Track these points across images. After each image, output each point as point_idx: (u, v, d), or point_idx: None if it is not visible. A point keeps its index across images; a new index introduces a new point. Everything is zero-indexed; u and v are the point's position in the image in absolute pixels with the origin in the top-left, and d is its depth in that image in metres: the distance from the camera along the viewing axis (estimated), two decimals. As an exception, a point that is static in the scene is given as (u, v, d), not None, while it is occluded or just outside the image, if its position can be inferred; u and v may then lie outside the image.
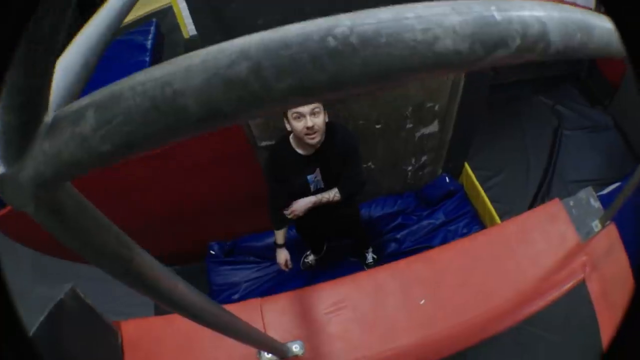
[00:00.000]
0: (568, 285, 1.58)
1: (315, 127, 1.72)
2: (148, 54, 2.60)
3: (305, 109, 1.69)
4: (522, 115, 3.55)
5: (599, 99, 3.64)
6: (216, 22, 1.93)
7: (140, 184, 2.52)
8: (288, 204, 2.06)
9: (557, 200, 1.73)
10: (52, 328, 1.44)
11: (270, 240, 2.76)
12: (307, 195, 2.06)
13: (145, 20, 3.09)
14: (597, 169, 3.24)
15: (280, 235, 2.23)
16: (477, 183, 2.86)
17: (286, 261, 2.29)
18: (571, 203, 1.69)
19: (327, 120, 1.81)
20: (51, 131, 0.34)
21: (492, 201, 2.88)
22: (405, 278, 1.67)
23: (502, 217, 2.81)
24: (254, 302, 1.72)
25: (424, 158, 2.70)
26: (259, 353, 1.60)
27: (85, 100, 0.35)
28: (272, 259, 2.74)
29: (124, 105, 0.33)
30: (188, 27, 2.95)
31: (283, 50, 0.31)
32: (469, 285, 1.62)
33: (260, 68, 0.31)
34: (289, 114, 1.74)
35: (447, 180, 2.79)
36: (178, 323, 1.84)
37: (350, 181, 2.03)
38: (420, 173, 2.76)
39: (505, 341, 1.62)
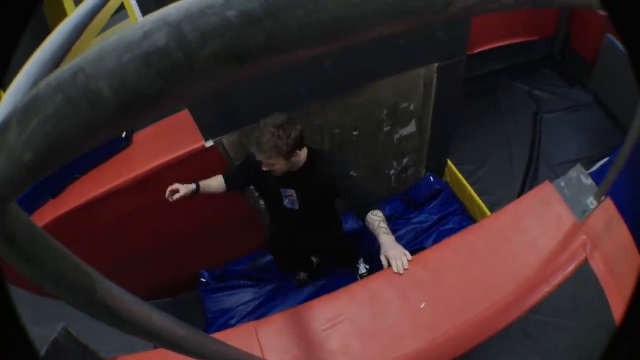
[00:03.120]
0: (571, 268, 1.54)
1: (274, 171, 1.77)
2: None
3: (260, 157, 1.72)
4: (499, 104, 3.53)
5: (577, 78, 3.65)
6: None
7: (121, 219, 2.47)
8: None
9: (547, 183, 1.69)
10: None
11: (261, 261, 2.72)
12: (279, 209, 2.05)
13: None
14: (583, 147, 3.23)
15: (210, 184, 2.07)
16: (462, 178, 2.83)
17: (176, 190, 1.95)
18: (562, 184, 1.66)
19: (296, 159, 1.80)
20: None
21: (480, 194, 2.85)
22: (401, 283, 1.61)
23: (492, 209, 2.77)
24: (249, 326, 1.66)
25: (405, 160, 2.67)
26: None
27: (13, 108, 0.31)
28: (264, 280, 2.69)
29: (40, 104, 0.29)
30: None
31: (209, 9, 0.26)
32: (468, 283, 1.57)
33: (182, 34, 0.26)
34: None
35: (432, 179, 2.76)
36: (177, 356, 1.79)
37: (353, 198, 1.94)
38: (404, 176, 2.72)
39: (515, 333, 1.57)
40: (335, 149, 2.40)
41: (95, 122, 0.28)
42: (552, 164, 3.24)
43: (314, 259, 2.66)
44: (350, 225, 2.64)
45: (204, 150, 2.24)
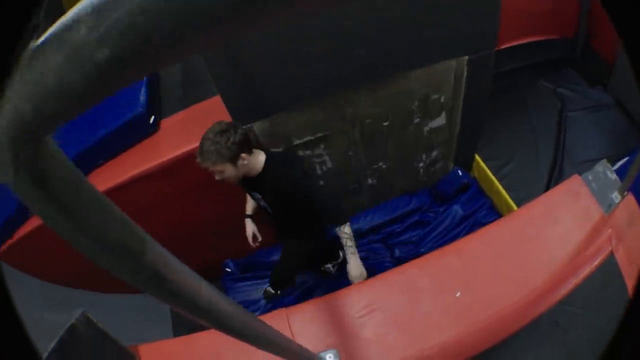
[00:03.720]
0: (598, 260, 1.55)
1: (222, 179, 1.77)
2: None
3: (204, 166, 1.73)
4: (525, 101, 3.51)
5: (598, 78, 3.63)
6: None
7: (144, 207, 2.43)
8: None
9: (576, 176, 1.69)
10: (63, 355, 1.37)
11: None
12: (262, 207, 2.08)
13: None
14: (604, 147, 3.21)
15: (249, 205, 2.17)
16: (490, 174, 2.78)
17: (253, 234, 2.13)
18: (590, 177, 1.67)
19: (244, 163, 1.77)
20: (37, 53, 0.24)
21: (506, 190, 2.80)
22: (436, 272, 1.62)
23: (518, 205, 2.73)
24: (280, 313, 1.64)
25: (434, 153, 2.62)
26: None
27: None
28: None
29: None
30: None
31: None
32: (501, 273, 1.56)
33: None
34: None
35: (460, 173, 2.71)
36: (200, 344, 1.75)
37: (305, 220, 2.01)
38: (432, 169, 2.68)
39: (545, 324, 1.58)
40: (365, 139, 2.36)
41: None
42: (575, 162, 3.23)
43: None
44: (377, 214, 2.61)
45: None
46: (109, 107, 2.49)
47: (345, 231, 1.87)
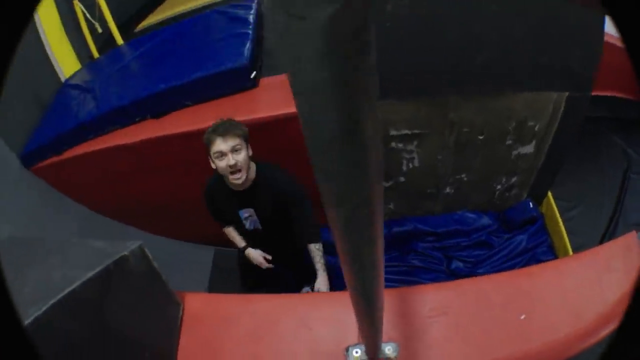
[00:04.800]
0: None
1: (238, 164, 1.74)
2: (251, 27, 2.51)
3: (225, 146, 1.72)
4: (599, 151, 3.51)
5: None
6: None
7: (184, 162, 2.42)
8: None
9: (634, 232, 1.78)
10: (104, 286, 1.29)
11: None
12: (241, 232, 2.11)
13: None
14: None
15: (238, 240, 2.19)
16: (557, 213, 2.77)
17: (264, 257, 2.16)
18: None
19: (250, 154, 1.82)
20: None
21: (567, 233, 2.80)
22: (508, 291, 1.66)
23: (574, 251, 2.72)
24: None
25: (514, 179, 2.60)
26: (347, 351, 1.48)
27: None
28: (333, 254, 2.60)
29: None
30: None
31: None
32: (564, 305, 1.63)
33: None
34: (212, 154, 1.76)
35: (531, 205, 2.69)
36: (256, 305, 1.72)
37: (307, 227, 1.99)
38: (507, 194, 2.66)
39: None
40: (457, 147, 2.34)
41: None
42: (628, 223, 3.24)
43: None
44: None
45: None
46: (212, 54, 2.48)
47: (318, 248, 2.00)
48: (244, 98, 2.36)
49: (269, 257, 2.16)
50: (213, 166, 1.82)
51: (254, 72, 2.39)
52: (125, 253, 1.36)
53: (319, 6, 0.28)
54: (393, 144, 2.29)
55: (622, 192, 3.41)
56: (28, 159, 2.68)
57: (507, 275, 1.84)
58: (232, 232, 2.19)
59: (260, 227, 2.05)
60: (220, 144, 1.73)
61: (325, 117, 0.38)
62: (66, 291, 1.18)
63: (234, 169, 1.76)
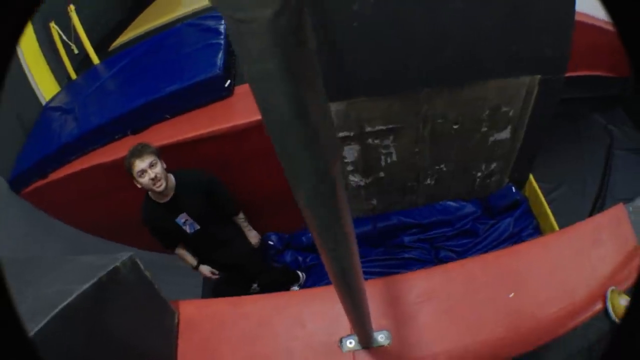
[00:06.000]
0: (627, 284, 1.64)
1: (158, 175, 2.04)
2: (222, 37, 2.54)
3: (144, 165, 2.01)
4: (578, 131, 3.53)
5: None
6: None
7: (207, 167, 2.44)
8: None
9: (621, 205, 1.81)
10: (98, 298, 1.31)
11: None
12: (187, 238, 2.32)
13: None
14: (645, 188, 3.25)
15: (189, 259, 2.45)
16: (541, 195, 2.80)
17: (211, 272, 2.49)
18: (630, 209, 1.81)
19: (164, 167, 2.09)
20: None
21: (553, 214, 2.83)
22: (495, 271, 1.68)
23: (562, 231, 2.75)
24: None
25: (493, 165, 2.63)
26: (340, 342, 1.51)
27: None
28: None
29: None
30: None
31: None
32: (553, 281, 1.65)
33: None
34: (135, 174, 2.03)
35: (513, 190, 2.72)
36: (248, 308, 1.75)
37: (230, 202, 2.36)
38: (487, 180, 2.69)
39: (578, 338, 1.63)
40: (433, 139, 2.37)
41: None
42: (616, 198, 3.25)
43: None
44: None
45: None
46: (186, 66, 2.50)
47: (241, 216, 2.45)
48: (221, 107, 2.39)
49: (216, 272, 2.50)
50: (138, 185, 2.08)
51: (229, 81, 2.42)
52: (117, 264, 1.40)
53: (260, 10, 0.35)
54: (370, 141, 2.31)
55: (606, 169, 3.43)
56: (16, 183, 2.70)
57: (493, 256, 1.86)
58: (183, 254, 2.44)
59: (198, 226, 2.28)
60: (140, 164, 2.02)
61: (276, 102, 0.44)
62: (62, 305, 1.20)
63: (155, 180, 2.04)
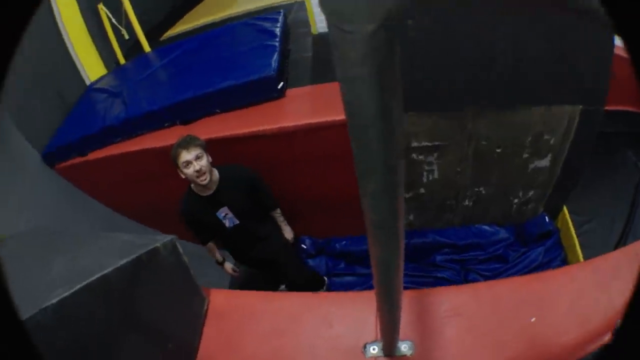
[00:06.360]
0: None
1: (203, 168, 2.07)
2: (277, 39, 2.59)
3: (190, 156, 2.04)
4: (611, 166, 3.54)
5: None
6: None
7: (254, 165, 2.49)
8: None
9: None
10: (135, 276, 1.32)
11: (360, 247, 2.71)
12: (226, 233, 2.34)
13: (272, 10, 3.12)
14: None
15: (217, 255, 2.48)
16: (572, 228, 2.82)
17: (232, 268, 2.52)
18: None
19: (210, 160, 2.11)
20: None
21: (580, 247, 2.84)
22: (521, 295, 1.70)
23: (587, 265, 2.76)
24: (370, 294, 1.68)
25: (530, 192, 2.66)
26: (364, 347, 1.54)
27: None
28: (367, 266, 2.68)
29: None
30: (317, 25, 2.91)
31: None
32: (573, 309, 1.66)
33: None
34: (180, 165, 2.07)
35: (547, 219, 2.75)
36: (279, 302, 1.79)
37: (270, 197, 2.39)
38: (524, 207, 2.71)
39: None
40: (476, 159, 2.41)
41: None
42: (638, 236, 3.26)
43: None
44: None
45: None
46: (240, 64, 2.56)
47: (278, 212, 2.46)
48: (271, 108, 2.44)
49: (237, 269, 2.55)
50: (182, 176, 2.11)
51: (281, 83, 2.47)
52: (158, 245, 1.41)
53: (364, 25, 0.41)
54: (414, 156, 2.35)
55: (633, 207, 3.44)
56: (50, 157, 2.76)
57: (520, 280, 1.89)
58: (212, 248, 2.46)
59: (237, 221, 2.31)
60: (186, 155, 2.05)
61: (364, 101, 0.51)
62: (97, 275, 1.19)
63: (200, 173, 2.06)
